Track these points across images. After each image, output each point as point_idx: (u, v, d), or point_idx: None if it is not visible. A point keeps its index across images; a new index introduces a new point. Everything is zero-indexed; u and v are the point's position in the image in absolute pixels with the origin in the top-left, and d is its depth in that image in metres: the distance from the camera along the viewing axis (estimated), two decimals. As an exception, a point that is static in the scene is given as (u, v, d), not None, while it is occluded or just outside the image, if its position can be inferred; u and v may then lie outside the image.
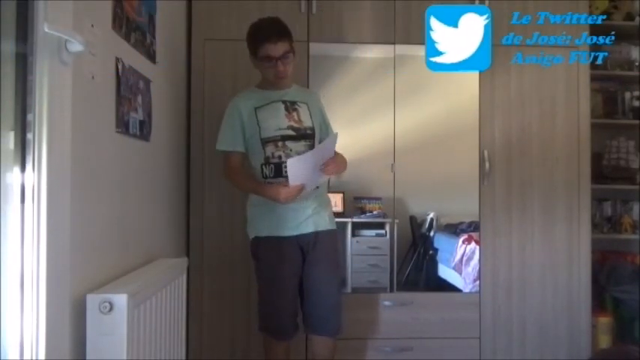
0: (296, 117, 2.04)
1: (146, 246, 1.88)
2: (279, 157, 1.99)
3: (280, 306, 2.03)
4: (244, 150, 2.07)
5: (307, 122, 2.06)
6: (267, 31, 1.98)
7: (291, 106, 2.05)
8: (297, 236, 2.03)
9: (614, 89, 3.05)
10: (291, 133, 2.01)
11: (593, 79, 2.75)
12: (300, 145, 2.01)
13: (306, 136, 2.04)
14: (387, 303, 2.54)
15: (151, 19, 1.92)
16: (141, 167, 1.84)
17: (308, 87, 2.46)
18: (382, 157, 2.56)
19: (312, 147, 2.03)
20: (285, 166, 1.90)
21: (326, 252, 2.07)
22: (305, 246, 2.04)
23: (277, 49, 1.96)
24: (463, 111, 2.61)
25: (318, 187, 2.05)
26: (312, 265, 2.05)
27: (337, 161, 2.00)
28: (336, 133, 1.99)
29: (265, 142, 2.01)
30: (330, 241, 2.09)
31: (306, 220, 2.03)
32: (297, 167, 1.88)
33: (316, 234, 2.04)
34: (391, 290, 2.57)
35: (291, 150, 2.00)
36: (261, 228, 2.06)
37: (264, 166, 2.02)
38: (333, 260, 2.10)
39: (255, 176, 2.06)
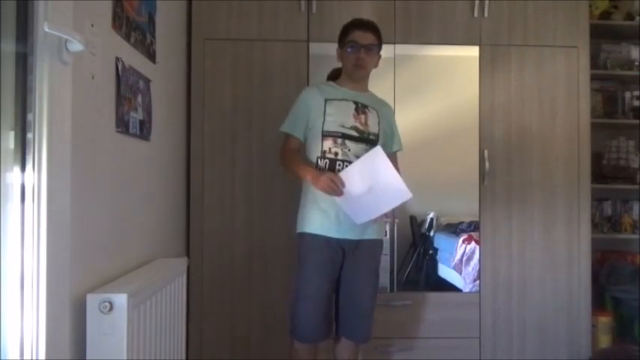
0: (363, 120, 2.02)
1: (146, 246, 1.88)
2: (336, 153, 1.97)
3: (314, 306, 1.97)
4: (302, 138, 2.05)
5: (373, 128, 2.03)
6: (360, 20, 2.07)
7: (361, 108, 2.03)
8: (339, 239, 1.99)
9: (614, 89, 3.05)
10: (353, 133, 1.99)
11: (593, 79, 2.75)
12: (360, 147, 1.98)
13: (369, 141, 2.00)
14: (387, 303, 2.54)
15: (151, 18, 1.92)
16: (141, 167, 1.84)
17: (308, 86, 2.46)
18: (382, 156, 2.56)
19: None
20: (339, 161, 1.94)
21: (367, 260, 2.03)
22: (347, 249, 2.01)
23: (364, 37, 2.01)
24: (463, 111, 2.61)
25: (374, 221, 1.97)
26: (350, 271, 2.02)
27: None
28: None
29: (325, 135, 1.99)
30: (372, 250, 2.06)
31: (352, 226, 1.96)
32: (361, 168, 1.85)
33: (360, 240, 2.01)
34: (391, 290, 2.57)
35: (349, 150, 1.97)
36: (309, 225, 2.00)
37: (319, 159, 1.99)
38: (372, 269, 2.07)
39: (305, 160, 2.04)
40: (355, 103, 2.03)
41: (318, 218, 1.98)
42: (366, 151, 1.95)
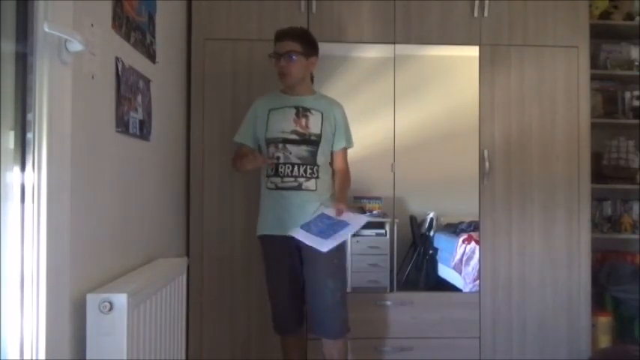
0: (304, 123, 2.13)
1: (146, 246, 1.88)
2: (278, 157, 2.11)
3: (278, 302, 2.17)
4: (252, 145, 2.21)
5: (315, 129, 2.13)
6: (279, 31, 2.16)
7: (302, 112, 2.14)
8: (293, 237, 2.03)
9: (614, 89, 3.05)
10: (293, 137, 2.11)
11: (593, 78, 2.75)
12: (301, 149, 2.11)
13: (309, 142, 2.12)
14: (387, 303, 2.54)
15: (151, 18, 1.92)
16: (141, 167, 1.84)
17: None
18: (382, 156, 2.56)
19: (314, 153, 2.11)
20: (281, 164, 2.09)
21: (324, 254, 2.01)
22: (302, 245, 2.04)
23: (282, 46, 2.11)
24: (463, 111, 2.61)
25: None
26: (309, 266, 2.09)
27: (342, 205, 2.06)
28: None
29: (268, 142, 2.13)
30: None
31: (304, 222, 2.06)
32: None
33: None
34: (391, 290, 2.57)
35: (290, 153, 2.10)
36: (262, 227, 2.17)
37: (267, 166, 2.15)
38: (331, 263, 2.08)
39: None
40: (296, 108, 2.14)
41: (270, 220, 2.13)
42: (307, 152, 2.10)
